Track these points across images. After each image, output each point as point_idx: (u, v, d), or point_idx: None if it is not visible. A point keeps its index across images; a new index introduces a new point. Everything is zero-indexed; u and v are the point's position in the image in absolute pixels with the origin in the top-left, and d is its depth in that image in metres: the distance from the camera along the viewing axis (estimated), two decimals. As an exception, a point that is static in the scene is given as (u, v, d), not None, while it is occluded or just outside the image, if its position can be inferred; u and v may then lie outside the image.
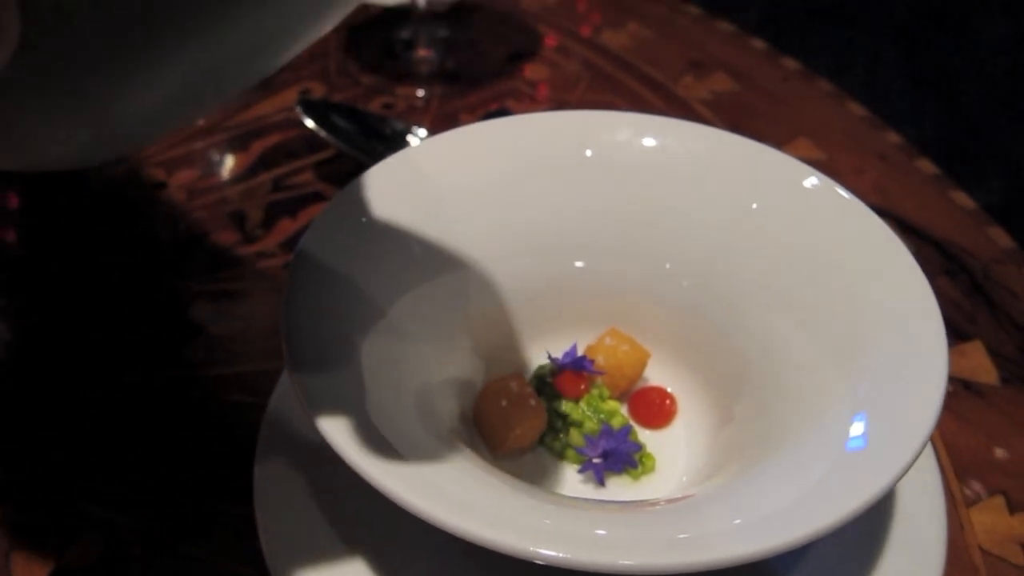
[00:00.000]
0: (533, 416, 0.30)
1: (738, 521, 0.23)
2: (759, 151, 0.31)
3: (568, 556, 0.20)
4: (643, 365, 0.32)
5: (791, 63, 0.58)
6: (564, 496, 0.29)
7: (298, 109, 0.47)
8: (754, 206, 0.31)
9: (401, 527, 0.25)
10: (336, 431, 0.22)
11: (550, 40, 0.61)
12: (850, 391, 0.26)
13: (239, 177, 0.48)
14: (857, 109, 0.54)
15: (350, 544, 0.27)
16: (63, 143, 0.17)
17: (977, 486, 0.32)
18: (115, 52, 0.15)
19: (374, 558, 0.27)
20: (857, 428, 0.24)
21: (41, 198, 0.47)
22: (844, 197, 0.30)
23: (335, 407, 0.23)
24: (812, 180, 0.30)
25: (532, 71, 0.57)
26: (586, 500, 0.28)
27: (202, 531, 0.31)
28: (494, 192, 0.31)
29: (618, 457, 0.30)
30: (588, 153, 0.32)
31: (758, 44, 0.61)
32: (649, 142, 0.32)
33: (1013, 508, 0.32)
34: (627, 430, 0.30)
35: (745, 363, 0.30)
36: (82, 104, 0.16)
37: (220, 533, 0.31)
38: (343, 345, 0.26)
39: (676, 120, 0.33)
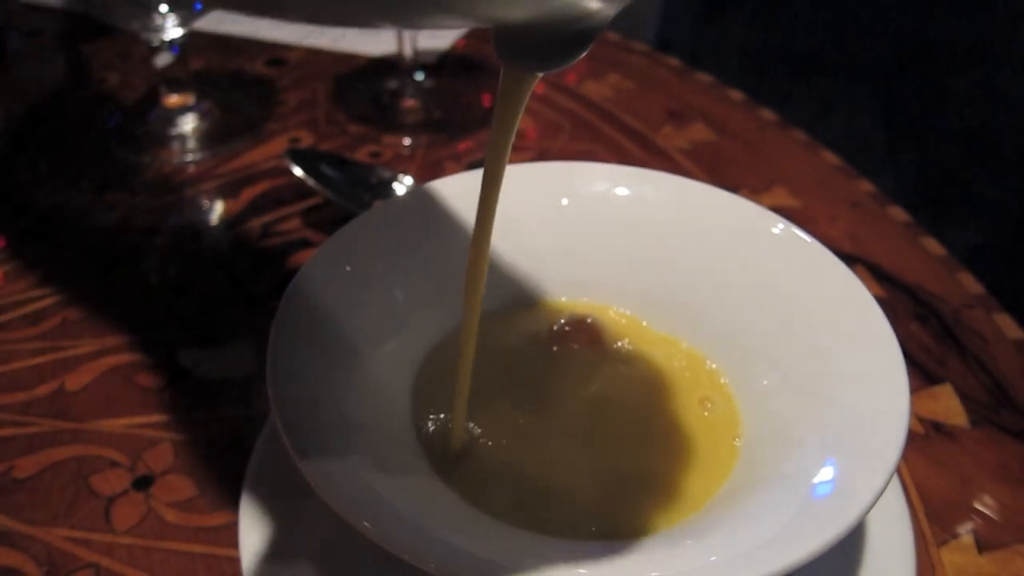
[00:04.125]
0: None
1: (713, 558, 0.24)
2: (728, 200, 0.33)
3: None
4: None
5: (768, 114, 0.60)
6: (548, 538, 0.29)
7: (287, 158, 0.48)
8: (724, 253, 0.32)
9: (379, 564, 0.25)
10: (321, 474, 0.23)
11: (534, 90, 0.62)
12: (819, 435, 0.26)
13: (229, 223, 0.49)
14: (831, 158, 0.56)
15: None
16: None
17: (947, 526, 0.33)
18: None
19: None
20: (827, 472, 0.25)
21: (28, 241, 0.47)
22: (810, 244, 0.31)
23: (320, 450, 0.24)
24: (780, 228, 0.31)
25: (516, 121, 0.59)
26: (570, 541, 0.29)
27: None
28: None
29: None
30: (565, 202, 0.34)
31: (736, 95, 0.62)
32: (623, 191, 0.33)
33: (982, 547, 0.32)
34: None
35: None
36: None
37: None
38: (329, 389, 0.27)
39: (649, 171, 0.34)
